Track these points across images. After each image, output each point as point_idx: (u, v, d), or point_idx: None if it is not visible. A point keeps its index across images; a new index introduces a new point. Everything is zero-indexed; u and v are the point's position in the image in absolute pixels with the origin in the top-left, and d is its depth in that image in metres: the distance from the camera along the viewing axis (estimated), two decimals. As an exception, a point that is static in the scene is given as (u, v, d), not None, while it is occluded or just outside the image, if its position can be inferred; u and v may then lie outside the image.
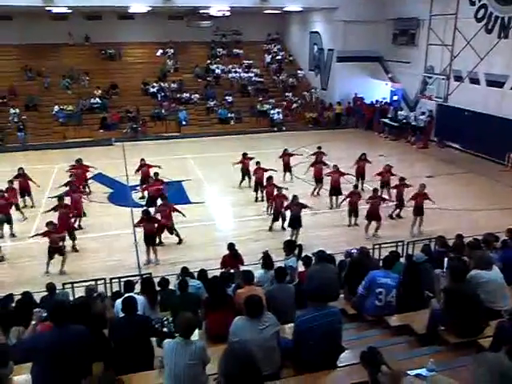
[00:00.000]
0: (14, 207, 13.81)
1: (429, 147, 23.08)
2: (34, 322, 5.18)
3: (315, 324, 4.51)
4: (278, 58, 32.31)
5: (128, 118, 25.75)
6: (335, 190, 15.01)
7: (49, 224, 11.19)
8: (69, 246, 12.23)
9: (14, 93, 26.26)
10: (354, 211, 13.64)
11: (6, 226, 13.22)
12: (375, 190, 13.45)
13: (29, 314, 5.93)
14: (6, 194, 13.27)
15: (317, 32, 29.78)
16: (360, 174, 16.29)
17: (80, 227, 13.50)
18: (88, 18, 29.17)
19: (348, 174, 15.55)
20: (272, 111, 27.40)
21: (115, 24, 29.67)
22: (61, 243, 11.45)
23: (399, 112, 25.47)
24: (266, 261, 7.84)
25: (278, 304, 6.14)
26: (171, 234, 12.64)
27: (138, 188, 16.08)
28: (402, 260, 8.72)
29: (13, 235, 13.18)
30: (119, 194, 16.55)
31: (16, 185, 14.57)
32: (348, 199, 13.73)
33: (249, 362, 2.50)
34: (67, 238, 12.08)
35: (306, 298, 4.81)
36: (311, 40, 30.62)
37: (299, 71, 31.73)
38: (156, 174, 14.90)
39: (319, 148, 17.39)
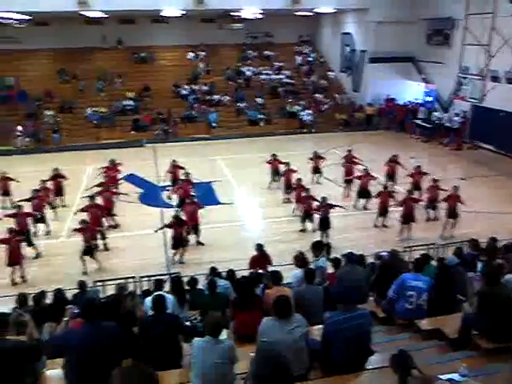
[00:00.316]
0: (48, 206, 14.15)
1: (462, 149, 22.58)
2: (66, 319, 5.28)
3: (344, 326, 4.47)
4: (308, 59, 32.22)
5: (159, 120, 26.09)
6: (363, 193, 14.86)
7: (82, 222, 11.46)
8: (101, 244, 12.48)
9: (50, 95, 26.96)
10: (383, 212, 13.47)
11: (41, 225, 13.54)
12: (409, 192, 13.26)
13: (61, 311, 6.06)
14: (40, 194, 13.61)
15: (349, 33, 29.55)
16: (390, 176, 16.07)
17: (115, 226, 13.73)
18: (121, 21, 29.75)
19: (375, 177, 15.34)
20: (302, 113, 27.31)
21: (148, 27, 30.15)
22: (93, 242, 11.67)
23: (433, 113, 25.02)
24: (304, 260, 7.80)
25: (306, 305, 6.11)
26: (195, 233, 12.71)
27: (169, 189, 16.23)
28: (434, 263, 8.54)
29: (47, 233, 13.50)
30: (150, 195, 16.78)
31: (51, 185, 14.93)
32: (377, 200, 13.56)
33: (280, 362, 2.49)
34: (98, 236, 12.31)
35: (335, 300, 4.77)
36: (343, 41, 30.40)
37: (330, 73, 31.56)
38: (187, 173, 15.05)
39: (349, 150, 17.24)
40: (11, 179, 15.26)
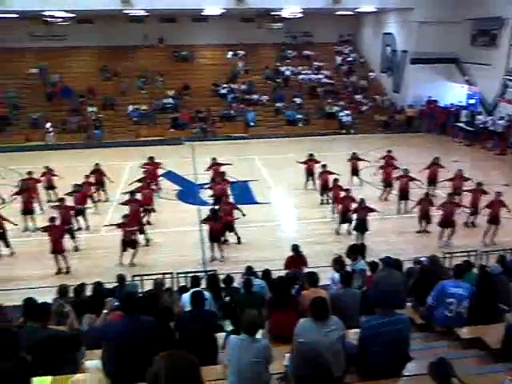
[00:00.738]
0: (89, 200, 14.52)
1: (506, 154, 21.88)
2: (105, 311, 5.40)
3: (382, 330, 4.40)
4: (348, 59, 31.91)
5: (198, 118, 26.35)
6: (404, 195, 14.60)
7: (124, 217, 11.71)
8: (142, 239, 12.70)
9: (93, 92, 27.64)
10: (425, 217, 13.20)
11: (81, 218, 13.88)
12: (450, 195, 12.95)
13: (101, 303, 6.19)
14: (82, 188, 13.97)
15: (390, 33, 29.09)
16: (431, 180, 15.72)
17: (149, 223, 13.97)
18: (163, 20, 30.20)
19: (417, 180, 15.04)
20: (341, 113, 27.07)
21: (189, 26, 30.49)
22: (133, 237, 11.89)
23: (477, 116, 24.32)
24: (342, 263, 7.75)
25: (342, 308, 6.05)
26: (230, 231, 12.77)
27: (207, 186, 16.35)
28: (475, 270, 8.31)
29: (87, 227, 13.84)
30: (187, 192, 16.97)
31: (92, 179, 15.31)
32: (418, 205, 13.29)
33: (321, 363, 2.47)
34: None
35: (373, 304, 4.71)
36: (384, 41, 29.94)
37: (370, 73, 31.15)
38: (223, 173, 15.14)
39: (389, 151, 16.97)
40: (54, 174, 15.72)
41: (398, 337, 4.37)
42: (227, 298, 6.99)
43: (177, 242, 12.92)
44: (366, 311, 6.47)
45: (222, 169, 15.79)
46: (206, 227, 12.31)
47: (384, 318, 4.39)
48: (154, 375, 2.23)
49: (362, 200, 12.59)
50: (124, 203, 12.99)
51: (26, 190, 14.01)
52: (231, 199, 14.60)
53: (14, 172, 18.53)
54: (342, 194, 13.75)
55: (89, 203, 14.44)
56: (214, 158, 16.34)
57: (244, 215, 12.76)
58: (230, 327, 5.27)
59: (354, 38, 33.48)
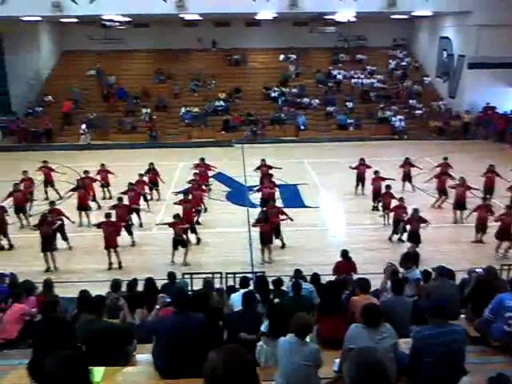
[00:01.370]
0: (142, 198, 14.87)
1: None
2: (157, 307, 5.49)
3: (435, 341, 4.28)
4: (402, 64, 31.25)
5: (249, 121, 26.53)
6: (459, 204, 14.12)
7: (176, 216, 11.91)
8: (194, 238, 12.90)
9: (147, 94, 28.37)
10: (481, 227, 12.71)
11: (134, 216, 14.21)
12: (509, 208, 12.39)
13: (153, 299, 6.32)
14: (135, 187, 14.34)
15: (447, 37, 28.25)
16: (488, 188, 15.13)
17: (198, 223, 14.14)
18: (216, 24, 30.63)
19: (475, 188, 14.52)
20: (394, 118, 26.54)
21: (242, 30, 30.77)
22: (184, 236, 12.08)
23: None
24: (395, 272, 7.60)
25: (393, 316, 5.90)
26: (277, 237, 12.69)
27: (255, 188, 16.42)
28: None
29: (140, 225, 14.16)
30: (237, 194, 17.11)
31: (146, 178, 15.70)
32: (475, 213, 12.83)
33: (380, 369, 2.41)
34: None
35: (425, 314, 4.58)
36: (440, 46, 29.10)
37: (425, 78, 30.36)
38: (271, 175, 15.17)
39: (445, 159, 16.47)
40: (110, 172, 16.21)
41: (453, 348, 4.24)
42: (276, 300, 6.96)
43: (225, 243, 13.05)
44: (417, 321, 6.33)
45: (271, 172, 15.82)
46: (255, 229, 12.34)
47: (437, 328, 4.27)
48: (210, 369, 2.23)
49: (416, 210, 12.25)
50: (177, 203, 13.18)
51: (83, 187, 14.49)
52: (280, 202, 14.59)
53: (70, 169, 19.22)
54: (394, 201, 13.49)
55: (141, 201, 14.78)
56: (264, 160, 16.39)
57: (291, 220, 12.64)
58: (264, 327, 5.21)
59: (408, 42, 32.74)
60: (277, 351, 4.58)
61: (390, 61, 31.41)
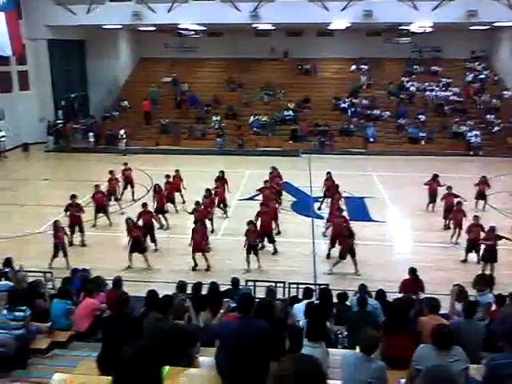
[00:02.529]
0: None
1: None
2: (222, 311, 5.53)
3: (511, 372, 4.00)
4: (480, 76, 29.96)
5: (317, 132, 26.40)
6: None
7: (250, 223, 11.90)
8: (269, 246, 12.95)
9: (218, 102, 28.98)
10: None
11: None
12: None
13: (216, 303, 6.39)
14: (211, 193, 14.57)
15: (531, 49, 26.81)
16: None
17: (279, 232, 14.00)
18: (288, 34, 30.85)
19: None
20: (469, 134, 25.44)
21: (313, 40, 30.80)
22: (257, 242, 12.08)
23: None
24: (465, 295, 7.25)
25: (463, 340, 5.62)
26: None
27: (321, 200, 16.27)
28: None
29: (212, 231, 14.19)
30: (302, 204, 17.01)
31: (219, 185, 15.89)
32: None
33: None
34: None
35: (499, 340, 4.32)
36: (524, 58, 27.66)
37: (505, 92, 28.90)
38: (337, 185, 15.06)
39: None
40: (181, 178, 16.56)
41: (534, 381, 3.95)
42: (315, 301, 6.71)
43: (289, 252, 13.00)
44: (489, 347, 5.98)
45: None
46: (319, 240, 12.22)
47: (513, 357, 4.00)
48: (279, 377, 2.20)
49: (493, 228, 11.63)
50: (257, 215, 12.83)
51: (159, 191, 14.92)
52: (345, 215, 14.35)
53: (142, 172, 19.94)
54: (465, 218, 12.94)
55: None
56: (329, 173, 16.20)
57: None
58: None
59: (487, 54, 31.37)
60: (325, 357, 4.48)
61: (467, 73, 30.20)
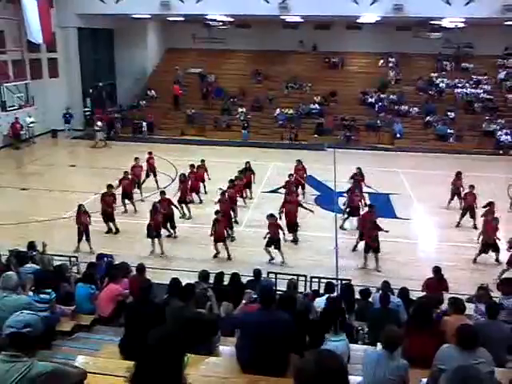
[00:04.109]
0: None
1: None
2: (244, 302, 5.54)
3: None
4: (514, 74, 29.20)
5: (343, 126, 26.15)
6: None
7: (270, 216, 11.90)
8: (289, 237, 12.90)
9: (244, 94, 28.94)
10: None
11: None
12: None
13: (240, 293, 6.39)
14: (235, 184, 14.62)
15: None
16: None
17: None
18: (316, 27, 30.57)
19: None
20: (500, 132, 24.88)
21: (342, 33, 30.43)
22: (279, 236, 12.02)
23: None
24: (488, 296, 7.12)
25: (487, 341, 5.51)
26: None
27: (345, 195, 16.12)
28: None
29: (236, 222, 14.24)
30: (326, 198, 16.90)
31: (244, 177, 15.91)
32: None
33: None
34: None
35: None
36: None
37: (538, 90, 28.15)
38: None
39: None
40: (206, 169, 16.61)
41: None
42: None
43: (312, 246, 12.97)
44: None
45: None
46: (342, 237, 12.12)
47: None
48: (300, 371, 2.20)
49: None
50: (281, 207, 12.97)
51: (184, 180, 14.97)
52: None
53: (167, 163, 20.07)
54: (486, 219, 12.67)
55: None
56: (359, 168, 16.03)
57: (387, 231, 12.05)
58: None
59: (522, 50, 30.51)
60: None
61: (500, 70, 29.46)
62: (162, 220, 12.46)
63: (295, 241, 13.03)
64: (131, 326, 5.12)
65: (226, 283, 8.36)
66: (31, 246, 9.64)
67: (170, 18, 28.44)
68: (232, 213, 13.90)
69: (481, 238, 12.47)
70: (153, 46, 32.30)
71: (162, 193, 13.55)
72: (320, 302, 6.60)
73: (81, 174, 20.25)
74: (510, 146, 24.34)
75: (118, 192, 14.56)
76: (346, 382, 2.25)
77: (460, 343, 4.31)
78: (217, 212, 12.32)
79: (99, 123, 24.73)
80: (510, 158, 23.42)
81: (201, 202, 15.87)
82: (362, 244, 12.30)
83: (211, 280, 8.14)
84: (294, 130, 25.98)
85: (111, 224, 13.59)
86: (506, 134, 24.68)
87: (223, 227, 12.28)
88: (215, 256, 12.17)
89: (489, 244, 12.09)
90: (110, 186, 13.67)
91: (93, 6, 25.02)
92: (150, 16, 27.63)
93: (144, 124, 26.39)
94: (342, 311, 5.67)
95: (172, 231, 13.32)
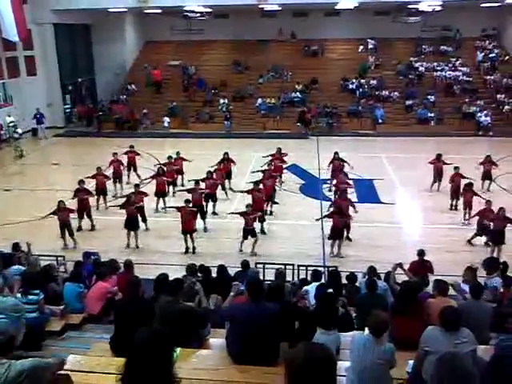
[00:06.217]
0: (220, 187, 15.10)
1: None
2: (232, 294, 5.60)
3: (522, 353, 4.02)
4: (491, 55, 29.46)
5: (325, 113, 26.22)
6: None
7: (248, 206, 12.07)
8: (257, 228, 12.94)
9: (225, 84, 28.82)
10: None
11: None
12: None
13: (227, 286, 6.45)
14: (214, 175, 14.62)
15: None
16: None
17: (271, 213, 14.21)
18: (295, 15, 30.46)
19: None
20: (479, 114, 25.16)
21: (320, 21, 30.38)
22: (254, 226, 12.19)
23: None
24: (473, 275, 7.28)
25: (471, 321, 5.65)
26: (348, 231, 12.49)
27: (329, 182, 16.27)
28: None
29: (214, 213, 14.47)
30: (310, 186, 17.00)
31: (222, 167, 15.94)
32: None
33: (468, 374, 2.35)
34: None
35: (507, 322, 4.33)
36: (535, 36, 27.13)
37: (516, 70, 28.45)
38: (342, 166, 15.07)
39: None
40: (185, 159, 16.61)
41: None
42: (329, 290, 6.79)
43: (297, 235, 13.05)
44: (497, 328, 6.02)
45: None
46: (326, 223, 12.23)
47: (526, 338, 4.02)
48: (290, 361, 2.28)
49: (502, 209, 11.56)
50: (248, 192, 13.28)
51: (162, 174, 14.99)
52: (354, 197, 14.35)
53: (150, 156, 19.96)
54: (476, 199, 12.90)
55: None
56: (337, 153, 16.12)
57: (356, 212, 12.27)
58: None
59: (499, 32, 30.78)
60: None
61: (478, 52, 29.71)
62: (136, 211, 12.52)
63: (262, 231, 13.05)
64: (121, 324, 5.15)
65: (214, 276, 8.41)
66: (16, 247, 9.57)
67: (148, 11, 28.14)
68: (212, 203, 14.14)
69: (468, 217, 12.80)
70: (131, 39, 31.95)
71: (137, 185, 13.65)
72: (308, 290, 6.68)
73: (64, 171, 20.05)
74: (489, 127, 24.64)
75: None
76: (334, 373, 2.34)
77: (443, 325, 4.41)
78: (187, 201, 12.28)
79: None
80: (489, 138, 23.73)
81: (174, 194, 15.79)
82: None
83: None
84: (309, 121, 25.57)
85: (89, 220, 13.62)
86: (486, 115, 24.97)
87: (192, 219, 12.24)
88: (186, 251, 12.14)
89: (482, 226, 12.16)
90: (81, 181, 13.58)
91: (68, 1, 24.68)
92: (126, 10, 27.29)
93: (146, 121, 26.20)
94: (335, 309, 5.75)
95: (144, 224, 13.31)
